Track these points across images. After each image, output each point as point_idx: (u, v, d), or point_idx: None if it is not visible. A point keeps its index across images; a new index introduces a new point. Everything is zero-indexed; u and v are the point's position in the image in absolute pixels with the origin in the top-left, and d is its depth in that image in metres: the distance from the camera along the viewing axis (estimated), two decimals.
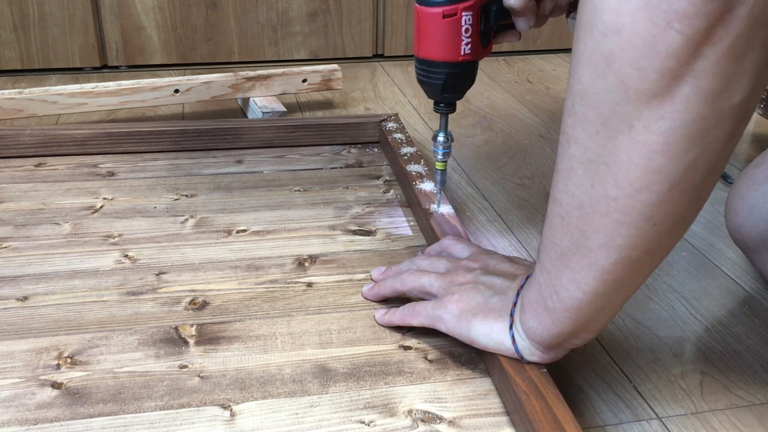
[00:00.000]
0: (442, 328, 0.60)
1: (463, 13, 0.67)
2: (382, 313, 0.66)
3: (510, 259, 0.64)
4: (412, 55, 0.75)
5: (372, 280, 0.72)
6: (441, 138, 0.76)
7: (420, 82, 0.73)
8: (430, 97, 0.74)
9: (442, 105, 0.74)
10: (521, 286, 0.57)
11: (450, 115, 0.76)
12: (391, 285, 0.67)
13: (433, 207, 0.81)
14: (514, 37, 0.72)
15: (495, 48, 0.74)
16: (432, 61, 0.70)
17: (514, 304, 0.56)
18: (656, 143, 0.42)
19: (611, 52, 0.41)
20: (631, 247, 0.46)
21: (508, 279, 0.59)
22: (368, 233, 0.82)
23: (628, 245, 0.46)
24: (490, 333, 0.57)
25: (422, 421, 0.55)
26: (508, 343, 0.56)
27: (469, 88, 0.73)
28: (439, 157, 0.77)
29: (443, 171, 0.79)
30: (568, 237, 0.49)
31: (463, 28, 0.68)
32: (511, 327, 0.56)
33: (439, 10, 0.67)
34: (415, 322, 0.62)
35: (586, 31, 0.42)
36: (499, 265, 0.63)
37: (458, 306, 0.59)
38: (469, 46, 0.69)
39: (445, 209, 0.81)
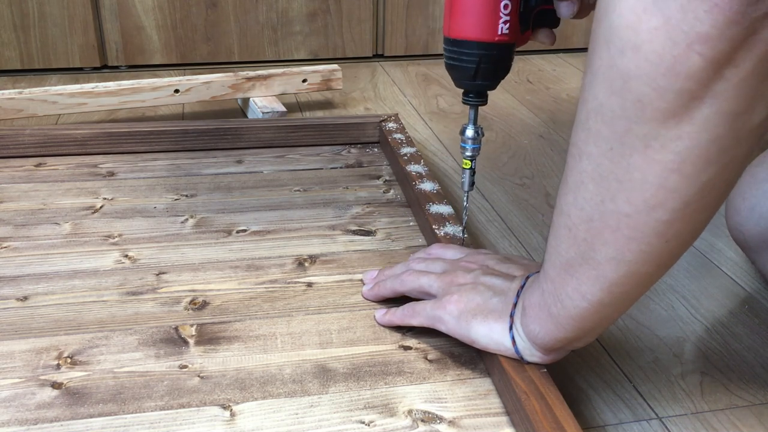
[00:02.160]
0: (442, 328, 0.60)
1: None
2: (382, 313, 0.66)
3: (508, 259, 0.64)
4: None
5: (363, 282, 0.72)
6: (470, 132, 0.68)
7: (449, 67, 0.65)
8: (459, 84, 0.66)
9: (472, 95, 0.67)
10: (521, 287, 0.57)
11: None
12: (390, 286, 0.67)
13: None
14: (549, 39, 0.66)
15: None
16: (465, 40, 0.62)
17: (514, 305, 0.56)
18: (672, 162, 0.41)
19: (628, 70, 0.40)
20: (641, 262, 0.46)
21: (507, 279, 0.59)
22: (368, 233, 0.82)
23: (637, 260, 0.46)
24: (490, 334, 0.57)
25: (422, 421, 0.55)
26: (509, 344, 0.56)
27: (503, 78, 0.65)
28: (468, 153, 0.69)
29: (471, 170, 0.70)
30: (574, 248, 0.48)
31: (502, 3, 0.60)
32: (511, 328, 0.56)
33: None
34: (415, 322, 0.62)
35: (602, 47, 0.42)
36: (498, 266, 0.63)
37: (458, 307, 0.59)
38: (508, 25, 0.61)
39: (445, 209, 0.81)
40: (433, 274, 0.64)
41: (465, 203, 0.73)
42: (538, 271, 0.55)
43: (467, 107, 0.68)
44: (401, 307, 0.64)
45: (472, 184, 0.71)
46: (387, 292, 0.67)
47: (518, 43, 0.64)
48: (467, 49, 0.63)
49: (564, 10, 0.63)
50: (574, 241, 0.48)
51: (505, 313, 0.56)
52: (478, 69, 0.63)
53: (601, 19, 0.41)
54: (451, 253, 0.69)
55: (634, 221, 0.44)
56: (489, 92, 0.68)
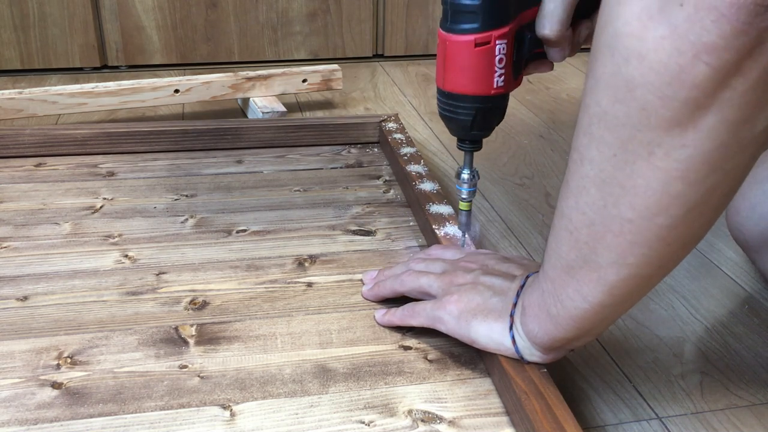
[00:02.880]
0: (442, 328, 0.60)
1: (498, 42, 0.59)
2: (382, 314, 0.66)
3: (508, 260, 0.64)
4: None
5: (362, 282, 0.72)
6: (465, 175, 0.68)
7: (444, 117, 0.65)
8: (454, 134, 0.66)
9: (467, 142, 0.67)
10: (521, 287, 0.57)
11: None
12: (390, 286, 0.67)
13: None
14: (546, 68, 0.65)
15: None
16: (460, 94, 0.62)
17: (514, 304, 0.56)
18: (676, 170, 0.41)
19: (633, 78, 0.40)
20: (643, 265, 0.46)
21: (507, 279, 0.59)
22: (368, 233, 0.82)
23: (639, 264, 0.46)
24: (490, 333, 0.57)
25: (422, 421, 0.55)
26: (509, 343, 0.56)
27: (498, 124, 0.66)
28: (464, 196, 0.69)
29: (468, 212, 0.71)
30: (575, 251, 0.48)
31: (497, 58, 0.60)
32: (511, 328, 0.56)
33: (470, 38, 0.59)
34: (415, 322, 0.62)
35: (606, 54, 0.41)
36: (498, 266, 0.63)
37: (458, 306, 0.59)
38: (503, 78, 0.61)
39: (445, 209, 0.81)
40: (433, 274, 0.64)
41: (462, 244, 0.73)
42: (538, 271, 0.55)
43: (477, 147, 0.68)
44: (401, 308, 0.64)
45: (469, 225, 0.71)
46: (386, 292, 0.67)
47: (512, 89, 0.64)
48: (463, 103, 0.62)
49: (555, 54, 0.63)
50: (575, 244, 0.48)
51: (505, 312, 0.56)
52: (475, 121, 0.63)
53: (605, 26, 0.41)
54: (451, 253, 0.69)
55: (636, 226, 0.44)
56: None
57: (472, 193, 0.69)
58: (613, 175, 0.44)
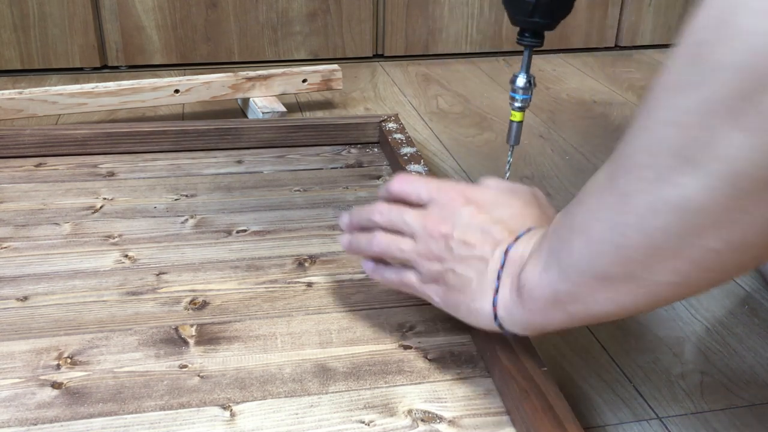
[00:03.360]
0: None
1: None
2: (371, 268, 0.63)
3: (480, 209, 0.57)
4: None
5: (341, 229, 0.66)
6: (521, 81, 0.61)
7: (505, 1, 0.58)
8: (515, 21, 0.59)
9: (527, 35, 0.59)
10: (501, 266, 0.54)
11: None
12: (366, 250, 0.63)
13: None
14: None
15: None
16: None
17: (496, 290, 0.54)
18: None
19: None
20: (705, 286, 0.43)
21: (482, 261, 0.55)
22: None
23: (702, 285, 0.43)
24: (477, 322, 0.56)
25: (422, 420, 0.55)
26: (496, 327, 0.54)
27: (563, 18, 0.58)
28: (517, 104, 0.61)
29: (519, 123, 0.62)
30: (621, 267, 0.44)
31: None
32: (496, 317, 0.54)
33: None
34: (407, 291, 0.61)
35: (734, 77, 0.34)
36: (470, 234, 0.56)
37: (439, 295, 0.58)
38: None
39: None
40: (405, 243, 0.59)
41: (509, 158, 0.65)
42: (519, 237, 0.53)
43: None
44: (392, 270, 0.61)
45: (518, 138, 0.63)
46: (363, 254, 0.64)
47: None
48: None
49: None
50: (625, 261, 0.44)
51: (486, 299, 0.54)
52: (537, 4, 0.56)
53: (731, 39, 0.34)
54: (415, 194, 0.61)
55: (723, 257, 0.40)
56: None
57: (527, 101, 0.62)
58: (708, 208, 0.38)
